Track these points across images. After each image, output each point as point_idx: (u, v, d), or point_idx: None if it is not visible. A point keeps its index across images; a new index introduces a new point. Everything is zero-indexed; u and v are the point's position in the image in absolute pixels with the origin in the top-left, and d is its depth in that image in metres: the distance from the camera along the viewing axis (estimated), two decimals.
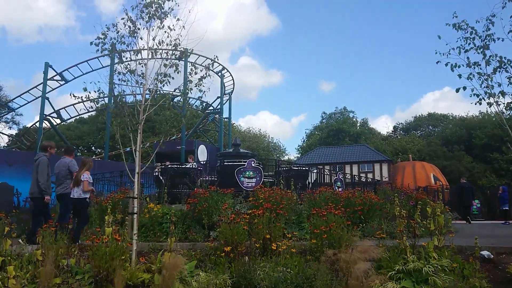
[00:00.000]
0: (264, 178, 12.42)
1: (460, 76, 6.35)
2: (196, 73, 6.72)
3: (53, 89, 27.61)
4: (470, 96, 6.34)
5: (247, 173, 12.23)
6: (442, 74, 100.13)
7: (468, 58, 6.43)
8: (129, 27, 6.45)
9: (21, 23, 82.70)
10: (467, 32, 6.49)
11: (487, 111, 45.20)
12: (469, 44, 6.46)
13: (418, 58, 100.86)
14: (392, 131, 60.80)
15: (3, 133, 38.76)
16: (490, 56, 6.30)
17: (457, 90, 6.35)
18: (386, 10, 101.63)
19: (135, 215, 5.92)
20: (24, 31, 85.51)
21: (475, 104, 6.33)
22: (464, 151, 43.72)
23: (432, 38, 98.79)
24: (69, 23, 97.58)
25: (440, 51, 6.49)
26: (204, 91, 6.71)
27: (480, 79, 6.33)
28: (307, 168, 15.75)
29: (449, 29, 6.54)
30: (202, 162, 17.97)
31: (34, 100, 28.35)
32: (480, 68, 6.38)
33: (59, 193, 8.11)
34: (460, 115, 53.76)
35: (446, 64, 6.36)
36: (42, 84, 25.96)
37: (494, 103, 6.28)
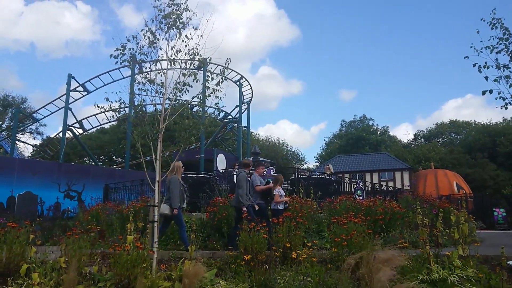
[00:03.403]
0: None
1: (487, 78, 6.20)
2: (212, 79, 6.78)
3: (75, 100, 28.30)
4: (496, 99, 6.18)
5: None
6: (464, 81, 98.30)
7: (497, 59, 6.28)
8: (149, 38, 6.56)
9: (49, 39, 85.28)
10: (502, 32, 6.34)
11: None
12: (500, 44, 6.31)
13: (439, 66, 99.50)
14: (413, 139, 59.91)
15: (27, 143, 39.86)
16: None
17: (484, 93, 6.21)
18: (407, 18, 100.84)
19: (156, 223, 5.96)
20: (51, 46, 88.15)
21: (501, 108, 6.17)
22: (487, 158, 42.67)
23: (453, 45, 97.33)
24: (94, 38, 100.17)
25: (464, 56, 6.37)
26: (221, 97, 6.75)
27: (507, 82, 6.17)
28: (332, 178, 15.62)
29: (479, 28, 6.41)
30: (221, 171, 18.03)
31: (57, 110, 29.06)
32: (510, 71, 6.23)
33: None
34: (483, 122, 52.59)
35: (474, 65, 6.23)
36: (65, 95, 26.59)
37: None
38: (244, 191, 8.43)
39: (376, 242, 6.69)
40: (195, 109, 21.86)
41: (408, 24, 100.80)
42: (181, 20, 6.59)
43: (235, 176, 8.67)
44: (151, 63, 6.92)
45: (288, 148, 59.88)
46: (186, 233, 8.51)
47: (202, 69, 9.55)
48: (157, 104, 6.63)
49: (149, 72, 6.74)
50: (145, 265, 5.34)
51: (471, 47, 6.34)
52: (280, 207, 8.68)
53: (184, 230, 8.23)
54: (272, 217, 8.41)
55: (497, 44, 6.36)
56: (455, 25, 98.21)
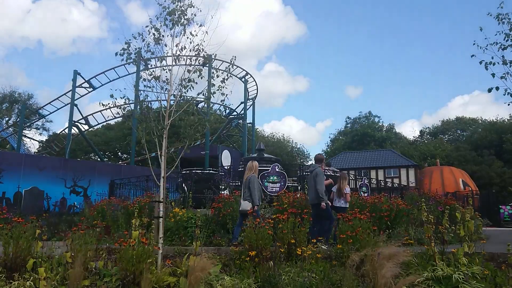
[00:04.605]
0: (288, 183, 12.37)
1: (493, 75, 6.14)
2: (218, 76, 6.79)
3: (81, 96, 28.40)
4: (504, 95, 6.13)
5: (271, 178, 12.20)
6: (471, 77, 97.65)
7: (503, 56, 6.21)
8: (154, 34, 6.56)
9: (56, 36, 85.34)
10: (508, 27, 6.26)
11: None
12: (507, 40, 6.24)
13: (446, 62, 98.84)
14: (419, 136, 59.62)
15: (34, 139, 40.10)
16: None
17: (490, 90, 6.17)
18: (413, 14, 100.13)
19: (161, 219, 5.98)
20: (59, 43, 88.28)
21: (509, 104, 6.12)
22: (494, 155, 42.37)
23: (461, 41, 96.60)
24: (101, 35, 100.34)
25: (470, 54, 6.32)
26: (227, 94, 6.75)
27: None
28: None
29: (484, 25, 6.35)
30: (226, 167, 18.05)
31: (63, 107, 29.20)
32: None
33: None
34: (490, 119, 52.19)
35: (481, 62, 6.17)
36: (71, 92, 26.71)
37: None
38: (323, 188, 8.38)
39: (381, 238, 6.68)
40: (200, 105, 21.90)
41: (414, 20, 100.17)
42: (185, 17, 6.59)
43: (317, 172, 8.51)
44: (156, 59, 6.92)
45: (293, 145, 59.88)
46: (191, 229, 8.54)
47: (207, 65, 9.54)
48: (162, 100, 6.64)
49: (154, 69, 6.75)
50: (150, 260, 5.36)
51: (474, 44, 6.30)
52: (347, 205, 8.84)
53: None
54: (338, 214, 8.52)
55: (504, 40, 6.30)
56: (462, 21, 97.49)
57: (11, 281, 5.24)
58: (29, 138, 38.76)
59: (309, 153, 61.90)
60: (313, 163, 9.07)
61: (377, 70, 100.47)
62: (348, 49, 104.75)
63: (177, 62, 6.65)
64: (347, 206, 8.82)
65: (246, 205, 8.00)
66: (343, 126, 61.84)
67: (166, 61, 6.91)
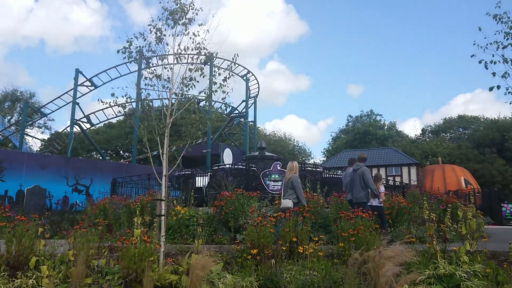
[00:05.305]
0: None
1: (494, 74, 6.13)
2: (219, 74, 6.80)
3: (83, 95, 28.41)
4: (505, 94, 6.13)
5: (273, 176, 12.20)
6: (473, 76, 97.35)
7: (503, 55, 6.20)
8: (156, 33, 6.57)
9: (58, 35, 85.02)
10: (508, 25, 6.25)
11: None
12: (507, 39, 6.23)
13: (448, 60, 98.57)
14: (421, 134, 59.46)
15: (36, 138, 40.15)
16: None
17: (491, 89, 6.16)
18: (415, 12, 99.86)
19: (163, 217, 6.00)
20: (61, 42, 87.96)
21: (510, 103, 6.10)
22: (496, 154, 42.26)
23: (461, 39, 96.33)
24: (103, 33, 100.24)
25: (472, 52, 6.31)
26: (228, 92, 6.77)
27: None
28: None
29: (485, 24, 6.36)
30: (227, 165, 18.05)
31: (65, 105, 29.21)
32: None
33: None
34: (492, 117, 52.02)
35: (480, 62, 6.16)
36: (73, 90, 26.73)
37: None
38: (375, 185, 8.81)
39: (383, 237, 6.69)
40: (202, 103, 21.90)
41: (416, 18, 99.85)
42: (186, 16, 6.59)
43: (364, 171, 8.90)
44: (158, 58, 6.93)
45: (295, 143, 59.82)
46: (193, 227, 8.54)
47: (209, 63, 9.54)
48: (164, 98, 6.65)
49: (155, 68, 6.76)
50: (152, 258, 5.38)
51: (474, 44, 6.30)
52: (381, 204, 9.34)
53: None
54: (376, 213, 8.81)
55: (504, 38, 6.29)
56: (464, 18, 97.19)
57: (14, 279, 5.26)
58: (31, 136, 38.80)
59: (310, 152, 61.92)
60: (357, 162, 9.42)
61: (378, 69, 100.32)
62: (350, 48, 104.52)
63: (179, 60, 6.66)
64: (381, 205, 9.26)
65: (287, 203, 8.24)
66: (344, 124, 61.74)
67: (167, 59, 6.92)
